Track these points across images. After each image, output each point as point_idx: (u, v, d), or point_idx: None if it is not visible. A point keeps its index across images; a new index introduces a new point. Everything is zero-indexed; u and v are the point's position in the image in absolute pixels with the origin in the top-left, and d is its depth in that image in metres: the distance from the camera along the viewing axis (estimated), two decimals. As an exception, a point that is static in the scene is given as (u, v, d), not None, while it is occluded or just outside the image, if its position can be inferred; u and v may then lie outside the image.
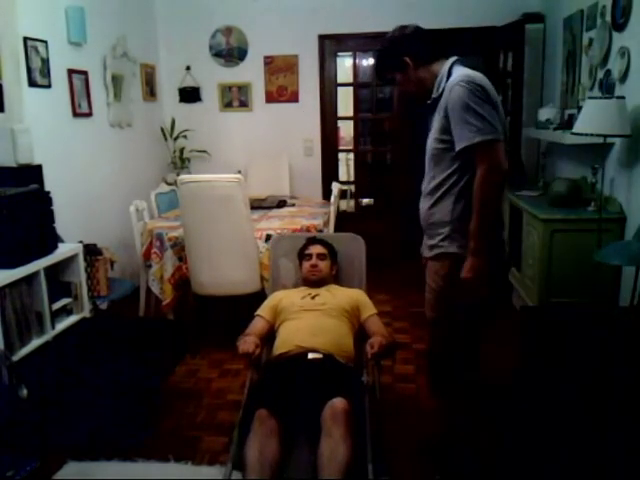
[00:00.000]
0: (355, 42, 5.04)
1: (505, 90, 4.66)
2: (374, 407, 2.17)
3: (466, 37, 4.56)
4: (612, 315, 2.57)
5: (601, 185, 2.97)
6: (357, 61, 5.23)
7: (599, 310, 2.81)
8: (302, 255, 2.75)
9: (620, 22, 3.04)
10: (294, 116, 5.11)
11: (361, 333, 2.49)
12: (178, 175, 4.38)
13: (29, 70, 3.23)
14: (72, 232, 3.28)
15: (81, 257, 2.89)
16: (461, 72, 1.94)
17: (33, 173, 3.04)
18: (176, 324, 3.39)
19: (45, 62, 3.37)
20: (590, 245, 2.90)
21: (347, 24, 4.86)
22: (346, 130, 5.83)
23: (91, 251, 3.17)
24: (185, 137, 5.05)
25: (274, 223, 3.59)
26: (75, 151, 3.74)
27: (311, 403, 2.03)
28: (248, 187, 3.71)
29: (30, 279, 2.52)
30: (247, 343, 2.30)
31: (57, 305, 2.74)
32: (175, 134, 5.04)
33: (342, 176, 5.82)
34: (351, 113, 5.25)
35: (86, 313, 2.93)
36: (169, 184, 4.58)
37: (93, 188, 3.95)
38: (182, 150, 5.07)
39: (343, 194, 4.88)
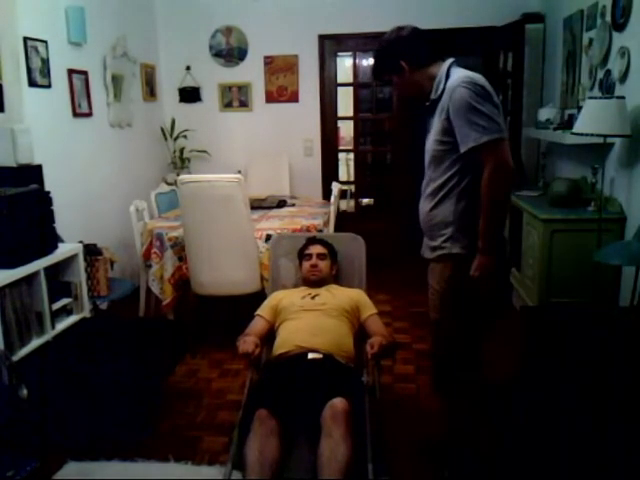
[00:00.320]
0: (355, 42, 5.04)
1: (505, 90, 4.66)
2: (374, 407, 2.16)
3: (466, 37, 4.57)
4: (612, 315, 2.58)
5: (601, 185, 2.97)
6: (357, 61, 5.23)
7: (599, 310, 2.81)
8: (302, 255, 2.75)
9: (620, 22, 3.04)
10: (294, 116, 5.11)
11: (361, 333, 2.49)
12: (178, 175, 4.39)
13: (29, 70, 3.23)
14: (72, 232, 3.27)
15: (81, 257, 2.89)
16: (461, 73, 1.94)
17: (33, 173, 3.04)
18: (176, 324, 3.39)
19: (45, 62, 3.37)
20: (590, 245, 2.90)
21: (347, 24, 4.86)
22: (346, 130, 5.84)
23: (91, 251, 3.17)
24: (185, 137, 5.05)
25: (274, 223, 3.59)
26: (75, 151, 3.74)
27: (311, 403, 2.03)
28: (248, 187, 3.71)
29: (30, 279, 2.52)
30: (247, 343, 2.30)
31: (57, 305, 2.74)
32: (175, 134, 5.04)
33: (342, 176, 5.82)
34: (351, 113, 5.25)
35: (86, 313, 2.93)
36: (169, 184, 4.58)
37: (93, 188, 3.95)
38: (182, 150, 5.07)
39: (343, 194, 4.88)
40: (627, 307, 2.66)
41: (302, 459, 1.98)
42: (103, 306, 3.61)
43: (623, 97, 2.77)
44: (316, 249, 2.72)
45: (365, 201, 6.09)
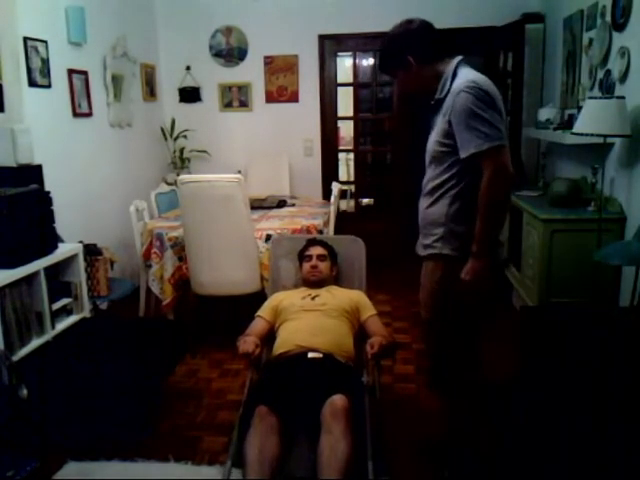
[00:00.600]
0: (355, 42, 5.04)
1: (505, 90, 4.66)
2: (374, 407, 2.17)
3: (466, 37, 4.57)
4: (612, 315, 2.58)
5: (601, 185, 2.97)
6: (357, 61, 5.23)
7: (599, 310, 2.81)
8: (302, 256, 2.75)
9: (620, 22, 3.04)
10: (294, 116, 5.11)
11: (361, 334, 2.50)
12: (178, 175, 4.39)
13: (29, 70, 3.23)
14: (72, 232, 3.28)
15: (81, 257, 2.89)
16: (466, 76, 1.92)
17: (33, 173, 3.04)
18: (176, 324, 3.38)
19: (45, 62, 3.37)
20: (590, 245, 2.90)
21: (347, 24, 4.86)
22: (346, 130, 5.84)
23: (91, 251, 3.17)
24: (185, 137, 5.05)
25: (274, 223, 3.58)
26: (75, 151, 3.74)
27: (311, 400, 2.03)
28: (248, 187, 3.71)
29: (30, 279, 2.52)
30: (247, 343, 2.30)
31: (57, 305, 2.74)
32: (175, 134, 5.04)
33: (342, 176, 5.82)
34: (351, 113, 5.25)
35: (86, 313, 2.93)
36: (169, 184, 4.58)
37: (93, 188, 3.95)
38: (182, 150, 5.07)
39: (343, 194, 4.88)
40: (627, 307, 2.66)
41: (302, 456, 1.98)
42: (103, 306, 3.61)
43: (623, 97, 2.77)
44: (316, 250, 2.73)
45: (365, 201, 6.09)
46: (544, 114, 3.91)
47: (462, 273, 1.96)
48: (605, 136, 2.79)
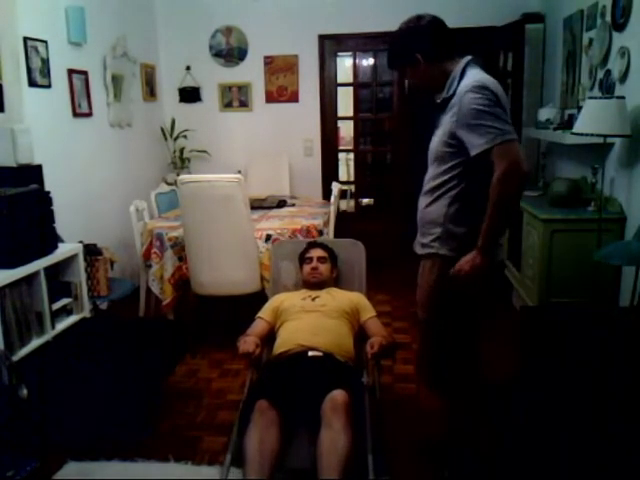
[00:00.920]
0: (355, 42, 5.04)
1: (505, 90, 4.66)
2: (374, 407, 2.17)
3: (466, 37, 4.56)
4: (612, 315, 2.58)
5: (601, 185, 2.97)
6: (357, 61, 5.23)
7: (599, 310, 2.81)
8: (303, 258, 2.77)
9: (620, 22, 3.04)
10: (294, 116, 5.11)
11: (361, 335, 2.50)
12: (178, 175, 4.39)
13: (29, 70, 3.23)
14: (72, 232, 3.28)
15: (81, 257, 2.89)
16: (474, 76, 1.91)
17: (33, 173, 3.04)
18: (176, 324, 3.38)
19: (45, 62, 3.37)
20: (590, 245, 2.90)
21: (347, 24, 4.86)
22: (346, 130, 5.84)
23: (91, 251, 3.17)
24: (185, 137, 5.05)
25: (274, 223, 3.58)
26: (75, 151, 3.74)
27: (311, 396, 2.04)
28: (248, 187, 3.71)
29: (30, 279, 2.52)
30: (247, 343, 2.31)
31: (57, 305, 2.74)
32: (175, 134, 5.04)
33: (342, 176, 5.82)
34: (351, 113, 5.25)
35: (86, 313, 2.93)
36: (169, 184, 4.58)
37: (93, 188, 3.95)
38: (182, 150, 5.07)
39: (343, 194, 4.88)
40: (627, 307, 2.66)
41: (302, 450, 1.99)
42: (103, 306, 3.61)
43: (623, 97, 2.77)
44: (317, 252, 2.74)
45: (365, 201, 6.09)
46: (544, 114, 3.91)
47: (460, 262, 1.93)
48: (605, 136, 2.79)
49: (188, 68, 5.12)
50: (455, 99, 1.92)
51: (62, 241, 2.95)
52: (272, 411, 1.99)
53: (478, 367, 2.22)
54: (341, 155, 5.65)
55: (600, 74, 3.34)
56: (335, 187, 4.15)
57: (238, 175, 3.24)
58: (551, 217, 3.14)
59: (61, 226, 2.93)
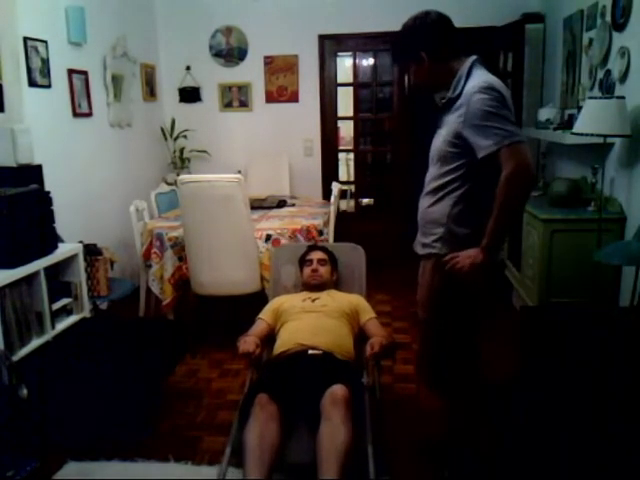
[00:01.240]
0: (355, 42, 5.04)
1: (505, 90, 4.66)
2: (374, 407, 2.17)
3: (466, 37, 4.56)
4: (612, 315, 2.58)
5: (601, 185, 2.97)
6: (357, 61, 5.23)
7: (599, 310, 2.81)
8: (303, 261, 2.78)
9: (620, 22, 3.04)
10: (294, 116, 5.11)
11: (361, 336, 2.50)
12: (178, 175, 4.39)
13: (29, 70, 3.22)
14: (72, 232, 3.28)
15: (81, 257, 2.89)
16: (481, 77, 1.90)
17: (33, 173, 3.04)
18: (176, 324, 3.39)
19: (45, 62, 3.37)
20: (590, 245, 2.90)
21: (347, 24, 4.86)
22: (346, 130, 5.83)
23: (91, 251, 3.17)
24: (185, 137, 5.05)
25: (274, 223, 3.58)
26: (75, 151, 3.74)
27: (311, 391, 2.05)
28: (248, 187, 3.71)
29: (30, 279, 2.52)
30: (247, 343, 2.31)
31: (57, 305, 2.74)
32: (175, 134, 5.04)
33: (342, 176, 5.82)
34: (351, 113, 5.25)
35: (86, 313, 2.93)
36: (169, 184, 4.58)
37: (93, 188, 3.95)
38: (182, 150, 5.07)
39: (343, 194, 4.88)
40: (627, 307, 2.66)
41: (302, 444, 1.99)
42: (103, 306, 3.61)
43: (623, 97, 2.77)
44: (317, 255, 2.75)
45: (365, 201, 6.09)
46: (544, 114, 3.91)
47: (460, 255, 1.92)
48: (605, 136, 2.79)
49: (188, 68, 5.12)
50: (462, 99, 1.90)
51: (62, 241, 2.95)
52: (272, 405, 2.00)
53: (478, 367, 2.22)
54: (341, 155, 5.65)
55: (600, 74, 3.34)
56: (335, 187, 4.15)
57: (238, 175, 3.24)
58: (551, 217, 3.14)
59: (61, 226, 2.93)
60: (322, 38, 4.97)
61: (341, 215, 4.34)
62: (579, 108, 3.25)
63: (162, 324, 3.28)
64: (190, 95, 5.16)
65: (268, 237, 3.33)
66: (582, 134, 2.84)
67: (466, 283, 1.94)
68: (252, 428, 1.94)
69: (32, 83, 3.26)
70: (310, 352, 2.29)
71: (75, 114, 3.73)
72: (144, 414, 2.55)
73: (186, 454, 2.34)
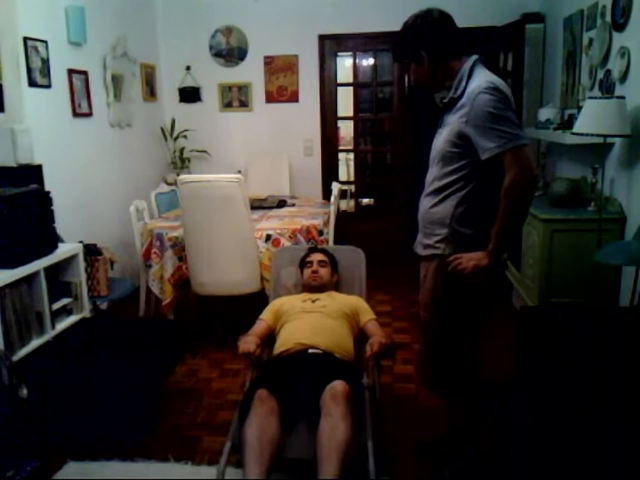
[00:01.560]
0: (355, 42, 5.04)
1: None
2: (374, 407, 2.17)
3: (466, 37, 4.56)
4: (612, 315, 2.57)
5: (601, 185, 2.97)
6: (357, 61, 5.23)
7: (599, 310, 2.80)
8: (303, 263, 2.78)
9: (620, 22, 3.04)
10: (294, 116, 5.11)
11: (361, 337, 2.51)
12: (178, 175, 4.38)
13: (29, 70, 3.22)
14: (72, 232, 3.28)
15: (81, 257, 2.89)
16: (483, 77, 1.90)
17: (33, 173, 3.04)
18: (176, 324, 3.39)
19: (45, 62, 3.37)
20: (590, 245, 2.90)
21: (347, 24, 4.86)
22: (346, 130, 5.84)
23: (91, 251, 3.17)
24: (185, 137, 5.05)
25: (274, 223, 3.58)
26: (75, 151, 3.74)
27: (311, 387, 2.06)
28: (248, 187, 3.71)
29: (30, 279, 2.52)
30: (248, 343, 2.32)
31: (57, 305, 2.74)
32: (175, 134, 5.04)
33: (342, 176, 5.82)
34: (351, 113, 5.25)
35: (86, 313, 2.93)
36: (169, 184, 4.58)
37: (93, 188, 3.95)
38: (182, 150, 5.07)
39: (343, 194, 4.88)
40: (627, 307, 2.66)
41: (302, 439, 1.99)
42: (103, 306, 3.61)
43: (623, 97, 2.77)
44: (317, 257, 2.76)
45: (365, 201, 6.09)
46: (544, 114, 3.91)
47: (464, 257, 1.92)
48: (605, 136, 2.79)
49: (188, 68, 5.12)
50: (464, 99, 1.90)
51: (62, 241, 2.95)
52: (272, 400, 2.01)
53: (478, 367, 2.22)
54: (341, 155, 5.65)
55: (600, 74, 3.34)
56: (335, 187, 4.15)
57: (238, 175, 3.24)
58: (551, 217, 3.14)
59: (61, 226, 2.93)
60: (322, 38, 4.97)
61: (341, 215, 4.34)
62: (579, 108, 3.25)
63: (162, 324, 3.28)
64: (190, 95, 5.16)
65: (268, 237, 3.33)
66: (582, 134, 2.83)
67: (467, 285, 1.94)
68: (252, 422, 1.95)
69: (32, 83, 3.26)
70: (310, 351, 2.30)
71: (75, 114, 3.73)
72: (144, 414, 2.55)
73: (186, 454, 2.34)
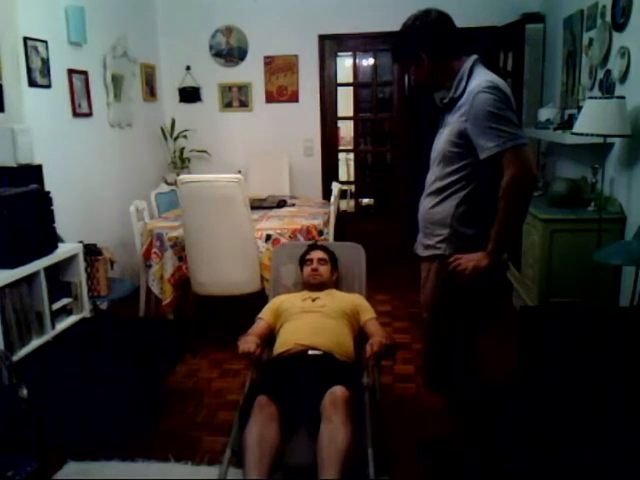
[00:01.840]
0: (355, 42, 5.04)
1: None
2: (374, 407, 2.17)
3: (466, 37, 4.57)
4: (612, 315, 2.57)
5: (601, 185, 2.97)
6: (357, 61, 5.24)
7: (599, 310, 2.80)
8: (303, 260, 2.77)
9: (620, 22, 3.04)
10: (294, 116, 5.11)
11: (361, 336, 2.50)
12: (178, 175, 4.39)
13: (29, 70, 3.22)
14: (72, 232, 3.27)
15: (81, 257, 2.89)
16: (483, 76, 1.90)
17: (33, 173, 3.04)
18: (176, 324, 3.39)
19: (45, 62, 3.37)
20: (590, 245, 2.90)
21: (347, 24, 4.86)
22: (346, 130, 5.84)
23: (91, 251, 3.17)
24: (185, 137, 5.05)
25: (274, 223, 3.58)
26: (75, 151, 3.73)
27: (311, 392, 2.05)
28: (248, 187, 3.71)
29: (30, 279, 2.52)
30: (248, 343, 2.31)
31: (57, 305, 2.74)
32: (175, 134, 5.04)
33: (342, 176, 5.82)
34: (351, 113, 5.25)
35: (86, 313, 2.93)
36: (169, 184, 4.58)
37: (93, 188, 3.95)
38: (182, 150, 5.07)
39: (343, 194, 4.87)
40: (627, 307, 2.66)
41: (302, 445, 1.99)
42: (103, 306, 3.61)
43: (623, 97, 2.77)
44: (317, 254, 2.74)
45: (365, 201, 6.09)
46: (544, 114, 3.91)
47: (464, 258, 1.92)
48: (605, 136, 2.79)
49: (188, 68, 5.12)
50: (464, 99, 1.90)
51: (62, 241, 2.95)
52: (272, 406, 2.00)
53: (479, 367, 2.22)
54: (341, 155, 5.66)
55: (600, 74, 3.34)
56: (335, 187, 4.15)
57: (238, 175, 3.24)
58: (551, 217, 3.14)
59: (61, 226, 2.93)
60: (322, 38, 4.97)
61: (341, 215, 4.34)
62: (579, 108, 3.25)
63: (162, 324, 3.28)
64: (190, 95, 5.16)
65: (268, 237, 3.33)
66: (582, 134, 2.84)
67: (467, 285, 1.94)
68: (252, 429, 1.94)
69: (32, 83, 3.26)
70: (310, 352, 2.29)
71: (75, 114, 3.73)
72: (144, 414, 2.55)
73: (186, 454, 2.34)
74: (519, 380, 2.26)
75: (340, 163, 5.69)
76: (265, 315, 2.57)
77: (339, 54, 5.16)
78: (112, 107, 4.16)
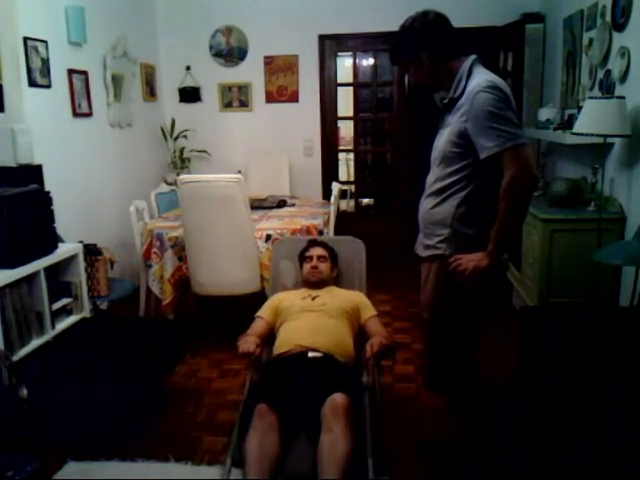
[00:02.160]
0: (355, 42, 5.04)
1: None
2: (374, 407, 2.17)
3: (466, 37, 4.56)
4: (612, 315, 2.57)
5: (601, 185, 2.97)
6: (357, 61, 5.24)
7: (599, 310, 2.80)
8: (303, 257, 2.75)
9: (620, 22, 3.04)
10: (294, 116, 5.11)
11: (361, 335, 2.49)
12: (178, 175, 4.39)
13: (29, 70, 3.22)
14: (72, 232, 3.27)
15: (81, 257, 2.89)
16: (483, 76, 1.90)
17: (33, 173, 3.04)
18: (176, 324, 3.39)
19: (45, 62, 3.37)
20: (590, 245, 2.90)
21: (347, 24, 4.86)
22: (346, 130, 5.84)
23: (91, 251, 3.17)
24: (185, 137, 5.05)
25: (274, 223, 3.58)
26: (75, 151, 3.73)
27: (311, 399, 2.04)
28: (248, 187, 3.71)
29: (30, 279, 2.52)
30: (247, 343, 2.30)
31: (57, 305, 2.74)
32: (175, 134, 5.04)
33: (342, 176, 5.82)
34: (351, 113, 5.25)
35: (86, 313, 2.93)
36: (169, 184, 4.58)
37: (93, 188, 3.95)
38: (182, 150, 5.07)
39: (343, 194, 4.88)
40: (627, 307, 2.66)
41: (302, 454, 1.99)
42: (103, 306, 3.61)
43: (623, 97, 2.77)
44: (317, 251, 2.73)
45: (365, 201, 6.09)
46: (544, 114, 3.91)
47: (464, 258, 1.92)
48: (605, 136, 2.79)
49: (188, 68, 5.12)
50: (464, 99, 1.90)
51: (62, 241, 2.95)
52: (272, 415, 1.99)
53: (479, 367, 2.22)
54: (341, 155, 5.66)
55: (600, 74, 3.34)
56: (335, 187, 4.15)
57: (238, 175, 3.24)
58: (551, 217, 3.14)
59: (61, 226, 2.92)
60: (322, 38, 4.97)
61: (341, 215, 4.35)
62: (579, 108, 3.25)
63: (162, 324, 3.28)
64: (190, 95, 5.16)
65: (268, 237, 3.33)
66: (582, 134, 2.84)
67: (467, 285, 1.94)
68: (252, 439, 1.94)
69: (32, 83, 3.26)
70: (310, 354, 2.28)
71: (75, 114, 3.73)
72: (144, 414, 2.55)
73: (186, 454, 2.34)
74: (519, 380, 2.26)
75: (340, 163, 5.69)
76: (264, 313, 2.56)
77: (339, 54, 5.17)
78: (112, 107, 4.16)
